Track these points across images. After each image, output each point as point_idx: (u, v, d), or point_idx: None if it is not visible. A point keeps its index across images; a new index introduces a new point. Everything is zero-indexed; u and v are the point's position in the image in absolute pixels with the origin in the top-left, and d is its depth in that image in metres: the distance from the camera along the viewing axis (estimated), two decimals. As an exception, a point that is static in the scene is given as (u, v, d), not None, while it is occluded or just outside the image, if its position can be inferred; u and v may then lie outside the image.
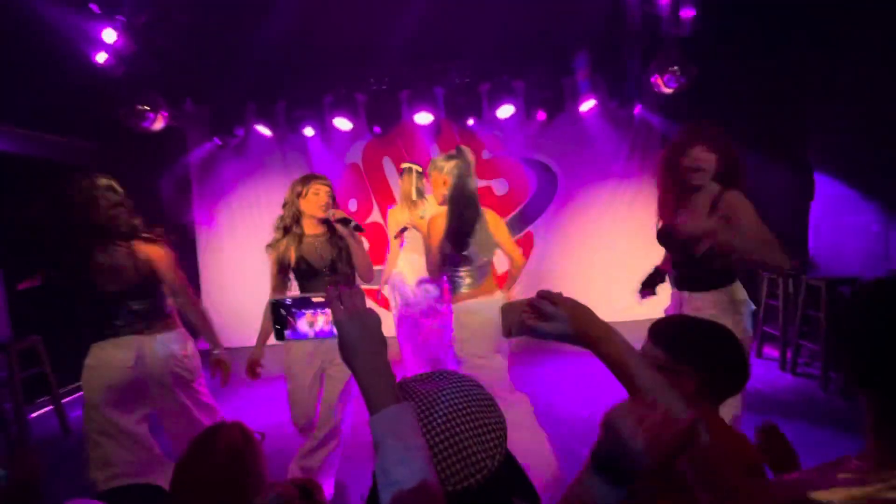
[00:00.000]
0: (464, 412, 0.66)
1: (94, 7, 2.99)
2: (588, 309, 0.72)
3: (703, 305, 1.96)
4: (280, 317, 0.77)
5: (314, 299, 0.76)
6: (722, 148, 1.96)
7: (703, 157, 1.94)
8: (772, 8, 3.67)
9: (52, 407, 3.40)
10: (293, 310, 0.77)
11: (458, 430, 0.64)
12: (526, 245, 5.25)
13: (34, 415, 3.59)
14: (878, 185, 3.45)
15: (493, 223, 2.37)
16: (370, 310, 0.70)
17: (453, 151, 2.44)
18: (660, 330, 1.04)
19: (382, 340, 0.68)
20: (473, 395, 0.69)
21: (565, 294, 0.76)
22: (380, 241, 5.27)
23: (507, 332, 0.75)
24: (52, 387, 3.31)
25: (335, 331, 0.69)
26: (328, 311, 0.74)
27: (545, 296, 0.73)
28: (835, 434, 2.50)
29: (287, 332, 0.77)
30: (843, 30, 3.55)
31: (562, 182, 5.24)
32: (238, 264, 5.02)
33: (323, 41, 4.18)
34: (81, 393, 4.09)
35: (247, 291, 4.84)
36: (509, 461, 0.68)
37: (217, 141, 4.73)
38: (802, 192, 4.16)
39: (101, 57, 3.33)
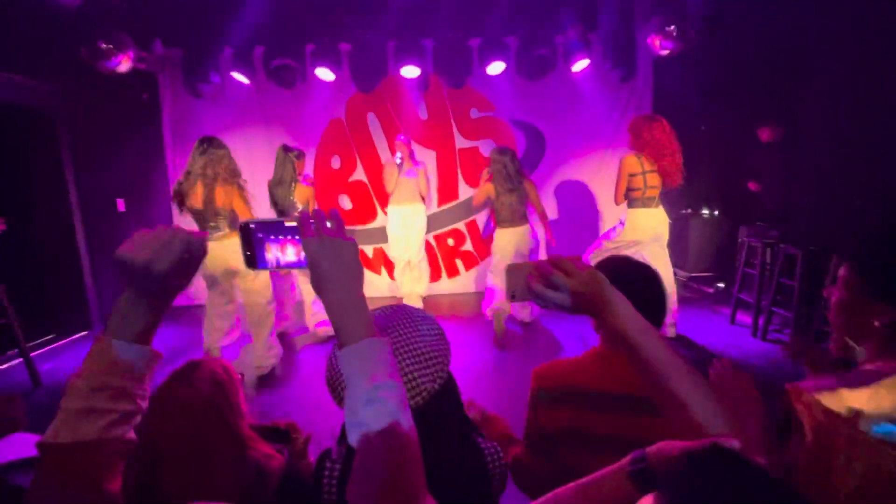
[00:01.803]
0: (408, 341, 0.69)
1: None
2: (604, 279, 0.65)
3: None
4: (250, 241, 0.69)
5: (287, 223, 0.68)
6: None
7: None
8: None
9: (20, 360, 3.30)
10: (262, 234, 0.69)
11: (404, 353, 0.68)
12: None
13: (4, 366, 3.50)
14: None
15: (529, 187, 3.72)
16: (346, 236, 0.63)
17: (505, 147, 3.77)
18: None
19: (358, 271, 0.62)
20: (423, 323, 0.73)
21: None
22: (365, 199, 5.15)
23: (511, 296, 0.70)
24: (19, 338, 3.20)
25: (305, 260, 0.62)
26: (298, 238, 0.67)
27: (556, 262, 0.65)
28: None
29: (258, 260, 0.70)
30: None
31: (550, 145, 5.16)
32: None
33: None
34: (54, 346, 4.00)
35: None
36: (450, 385, 0.73)
37: (190, 88, 4.46)
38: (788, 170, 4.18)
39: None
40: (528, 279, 0.66)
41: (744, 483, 0.37)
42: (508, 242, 3.71)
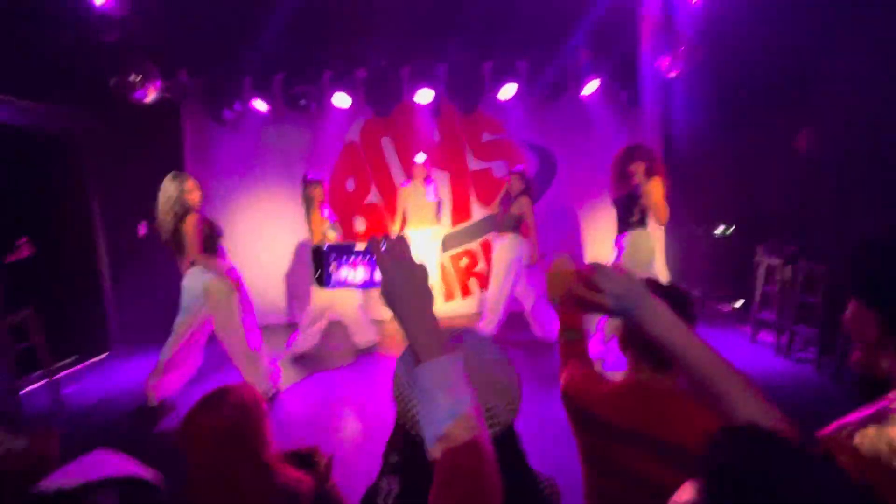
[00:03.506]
0: (485, 368, 0.68)
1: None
2: (642, 286, 0.68)
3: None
4: (322, 262, 0.75)
5: (357, 247, 0.75)
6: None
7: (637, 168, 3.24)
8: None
9: (44, 382, 3.35)
10: (334, 256, 0.75)
11: (480, 382, 0.65)
12: (523, 228, 5.23)
13: (27, 390, 3.54)
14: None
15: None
16: (417, 260, 0.67)
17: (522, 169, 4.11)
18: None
19: (429, 292, 0.65)
20: (494, 353, 0.72)
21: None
22: (379, 221, 5.22)
23: (554, 300, 0.74)
24: (44, 361, 3.26)
25: (377, 280, 0.67)
26: (369, 260, 0.74)
27: (599, 268, 0.69)
28: (829, 417, 2.53)
29: (327, 280, 0.75)
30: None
31: (561, 166, 5.21)
32: (231, 240, 4.94)
33: (323, 15, 4.07)
34: (75, 368, 4.05)
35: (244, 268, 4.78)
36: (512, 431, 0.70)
37: (212, 115, 4.61)
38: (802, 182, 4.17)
39: (95, 25, 3.21)
40: (572, 283, 0.70)
41: (780, 458, 0.37)
42: None
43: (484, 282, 5.35)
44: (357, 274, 0.75)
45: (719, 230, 5.16)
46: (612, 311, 0.68)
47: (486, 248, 5.31)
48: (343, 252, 0.75)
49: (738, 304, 4.90)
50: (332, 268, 0.75)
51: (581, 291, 0.69)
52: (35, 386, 3.55)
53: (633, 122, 5.05)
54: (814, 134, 4.06)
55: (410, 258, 0.67)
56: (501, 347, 0.75)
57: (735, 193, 4.93)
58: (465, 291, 5.38)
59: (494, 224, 4.45)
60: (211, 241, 3.09)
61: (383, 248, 0.67)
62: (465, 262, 5.33)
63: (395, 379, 0.70)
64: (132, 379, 3.75)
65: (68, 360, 4.08)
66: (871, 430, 0.72)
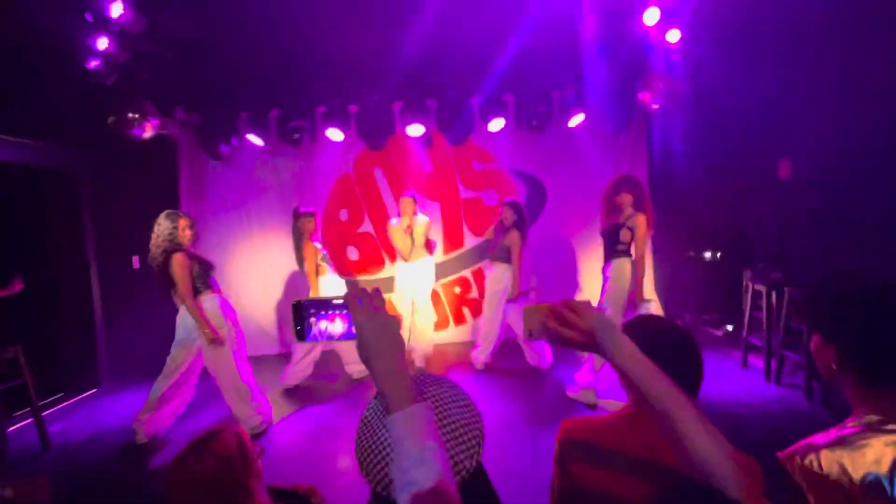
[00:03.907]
0: (445, 412, 0.70)
1: (87, 16, 2.98)
2: (609, 321, 0.73)
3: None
4: (301, 317, 0.78)
5: (334, 301, 0.77)
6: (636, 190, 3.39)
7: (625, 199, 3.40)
8: (762, 25, 3.80)
9: (31, 420, 3.30)
10: (312, 311, 0.78)
11: (451, 434, 0.68)
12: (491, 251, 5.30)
13: (13, 428, 3.48)
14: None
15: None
16: (389, 312, 0.71)
17: (515, 200, 4.18)
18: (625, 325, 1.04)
19: (401, 342, 0.69)
20: (452, 395, 0.73)
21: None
22: (372, 250, 5.27)
23: (528, 334, 0.78)
24: (31, 399, 3.22)
25: (354, 332, 0.70)
26: (347, 312, 0.76)
27: (569, 305, 0.74)
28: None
29: (307, 334, 0.78)
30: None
31: (550, 194, 5.32)
32: (226, 276, 4.97)
33: (317, 52, 4.21)
34: (62, 405, 4.00)
35: (239, 300, 4.78)
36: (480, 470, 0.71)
37: (209, 149, 4.71)
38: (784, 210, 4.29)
39: (93, 64, 3.31)
40: (545, 319, 0.74)
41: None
42: None
43: (477, 309, 5.38)
44: (335, 327, 0.78)
45: (708, 255, 5.26)
46: (582, 345, 0.73)
47: (479, 276, 5.36)
48: (321, 306, 0.78)
49: (728, 328, 4.95)
50: (310, 322, 0.79)
51: (553, 326, 0.74)
52: (22, 424, 3.50)
53: (619, 151, 5.20)
54: (792, 163, 4.21)
55: (384, 312, 0.70)
56: (460, 388, 0.77)
57: (722, 219, 5.05)
58: (459, 319, 5.39)
59: (487, 252, 4.50)
60: (202, 277, 3.12)
61: (358, 302, 0.70)
62: (458, 289, 5.37)
63: (358, 432, 0.72)
64: (122, 415, 3.70)
65: (56, 397, 4.02)
66: (824, 453, 0.80)
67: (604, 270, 3.52)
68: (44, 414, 3.37)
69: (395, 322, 0.70)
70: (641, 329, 1.08)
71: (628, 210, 3.38)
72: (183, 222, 3.09)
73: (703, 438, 0.63)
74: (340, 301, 0.77)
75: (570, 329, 0.72)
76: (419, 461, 0.57)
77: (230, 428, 1.19)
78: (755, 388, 3.64)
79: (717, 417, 3.13)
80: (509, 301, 4.06)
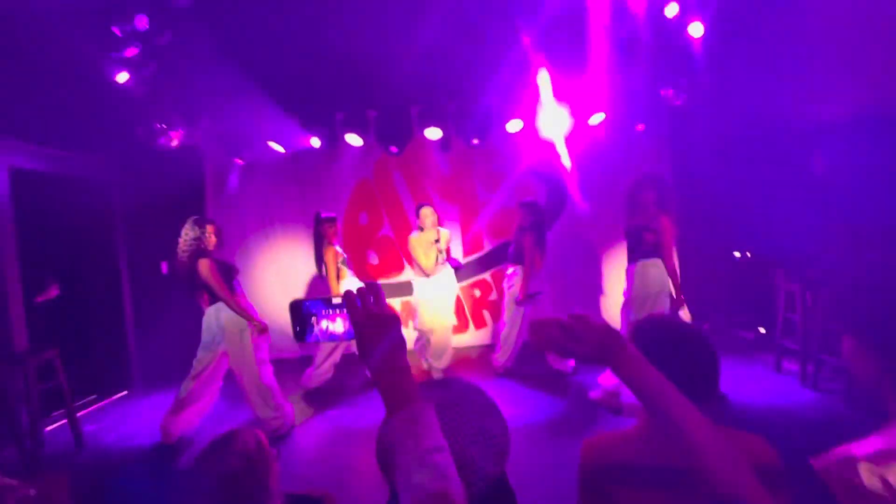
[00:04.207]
0: (468, 418, 0.68)
1: (115, 30, 3.09)
2: (617, 333, 0.72)
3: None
4: (299, 318, 0.76)
5: (334, 300, 0.76)
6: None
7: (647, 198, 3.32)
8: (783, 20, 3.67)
9: (66, 421, 3.42)
10: (312, 311, 0.76)
11: (461, 435, 0.65)
12: (536, 258, 5.23)
13: (49, 428, 3.62)
14: None
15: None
16: (389, 310, 0.69)
17: (532, 201, 4.14)
18: (636, 325, 1.00)
19: (401, 341, 0.67)
20: (476, 401, 0.71)
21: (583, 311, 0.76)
22: (392, 254, 5.29)
23: (538, 347, 0.76)
24: (67, 401, 3.34)
25: (354, 332, 0.68)
26: (347, 312, 0.74)
27: (577, 318, 0.73)
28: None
29: (307, 334, 0.77)
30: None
31: (572, 194, 5.24)
32: (251, 280, 5.06)
33: (335, 59, 4.27)
34: (96, 406, 4.13)
35: (262, 304, 4.88)
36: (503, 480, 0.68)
37: (233, 159, 4.83)
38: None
39: (122, 77, 3.44)
40: (553, 332, 0.73)
41: None
42: None
43: (496, 312, 5.33)
44: (336, 326, 0.76)
45: (737, 255, 5.08)
46: (591, 358, 0.71)
47: (498, 279, 5.31)
48: (321, 306, 0.76)
49: (761, 330, 4.75)
50: (311, 321, 0.77)
51: (562, 341, 0.72)
52: (57, 424, 3.63)
53: (642, 149, 5.08)
54: (825, 157, 4.02)
55: (382, 309, 0.68)
56: (487, 395, 0.74)
57: (751, 217, 4.87)
58: (479, 322, 5.35)
59: (507, 255, 4.44)
60: (227, 281, 3.19)
61: (356, 301, 0.68)
62: (477, 292, 5.33)
63: (378, 436, 0.70)
64: (151, 417, 3.80)
65: (90, 398, 4.17)
66: (865, 465, 0.74)
67: (628, 272, 3.43)
68: (78, 415, 3.49)
69: (394, 320, 0.68)
70: (652, 331, 1.05)
71: (651, 210, 3.29)
72: (209, 228, 3.17)
73: (712, 450, 0.64)
74: (340, 300, 0.75)
75: (577, 342, 0.72)
76: (421, 463, 0.55)
77: (249, 430, 1.21)
78: (790, 393, 3.48)
79: (751, 424, 3.00)
80: (518, 303, 3.98)
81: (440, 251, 4.03)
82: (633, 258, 3.39)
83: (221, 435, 1.17)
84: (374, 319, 0.67)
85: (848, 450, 0.80)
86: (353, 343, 0.67)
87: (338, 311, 0.76)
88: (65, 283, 4.05)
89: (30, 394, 3.11)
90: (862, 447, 0.79)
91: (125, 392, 4.48)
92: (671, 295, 3.33)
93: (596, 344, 0.70)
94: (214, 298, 3.18)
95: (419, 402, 0.61)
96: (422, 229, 4.09)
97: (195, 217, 3.23)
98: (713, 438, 0.65)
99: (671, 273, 3.27)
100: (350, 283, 4.01)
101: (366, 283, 0.71)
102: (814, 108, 4.00)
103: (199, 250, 3.12)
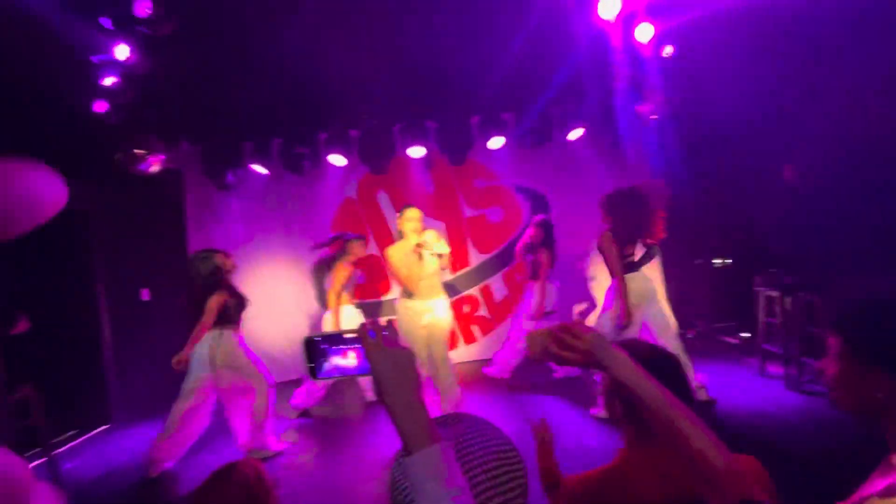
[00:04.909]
0: (484, 459, 0.66)
1: (93, 59, 3.07)
2: (603, 337, 0.77)
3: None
4: (313, 353, 0.76)
5: (346, 335, 0.76)
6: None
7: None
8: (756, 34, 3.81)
9: (44, 460, 3.28)
10: (324, 346, 0.76)
11: (480, 478, 0.63)
12: (523, 272, 5.27)
13: (24, 469, 3.46)
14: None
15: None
16: (403, 346, 0.69)
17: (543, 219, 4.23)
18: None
19: (416, 377, 0.66)
20: (493, 440, 0.69)
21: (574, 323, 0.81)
22: (378, 274, 5.27)
23: (534, 358, 0.82)
24: (44, 438, 3.20)
25: (368, 367, 0.68)
26: (360, 346, 0.74)
27: (566, 328, 0.78)
28: (849, 455, 2.47)
29: (320, 370, 0.77)
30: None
31: (554, 208, 5.32)
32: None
33: (315, 79, 4.29)
34: (74, 443, 3.98)
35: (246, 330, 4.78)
36: None
37: (214, 180, 4.77)
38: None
39: (100, 106, 3.40)
40: (546, 343, 0.79)
41: None
42: None
43: (486, 327, 5.33)
44: (348, 361, 0.76)
45: (717, 262, 5.21)
46: (583, 364, 0.77)
47: (487, 294, 5.33)
48: (333, 341, 0.76)
49: (744, 335, 4.86)
50: (323, 358, 0.77)
51: (554, 350, 0.78)
52: (34, 464, 3.47)
53: (620, 163, 5.20)
54: (797, 166, 4.18)
55: (398, 345, 0.68)
56: (502, 432, 0.73)
57: (729, 226, 5.01)
58: (469, 338, 5.34)
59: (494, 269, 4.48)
60: (235, 312, 3.20)
61: (370, 336, 0.68)
62: (466, 308, 5.33)
63: (390, 477, 0.69)
64: (133, 450, 3.68)
65: (69, 434, 4.00)
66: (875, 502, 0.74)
67: (609, 289, 3.51)
68: (56, 452, 3.35)
69: (410, 356, 0.68)
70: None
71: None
72: (219, 258, 3.21)
73: (698, 434, 0.69)
74: (353, 335, 0.75)
75: (569, 351, 0.77)
76: None
77: (247, 460, 1.21)
78: (776, 396, 3.55)
79: (739, 428, 3.05)
80: (531, 319, 4.03)
81: (437, 255, 3.28)
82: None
83: (220, 467, 1.17)
84: (389, 355, 0.66)
85: (862, 496, 0.80)
86: (365, 378, 0.67)
87: (351, 346, 0.76)
88: (40, 315, 3.91)
89: (6, 433, 2.98)
90: (870, 487, 0.79)
91: (106, 426, 4.32)
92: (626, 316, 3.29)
93: (586, 351, 0.76)
94: (218, 324, 3.18)
95: (438, 441, 0.60)
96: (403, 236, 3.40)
97: (199, 253, 3.28)
98: (704, 431, 0.69)
99: (618, 289, 3.29)
100: (349, 311, 3.95)
101: (383, 321, 0.72)
102: (787, 120, 4.17)
103: (218, 283, 3.16)
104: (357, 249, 3.88)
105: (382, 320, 0.71)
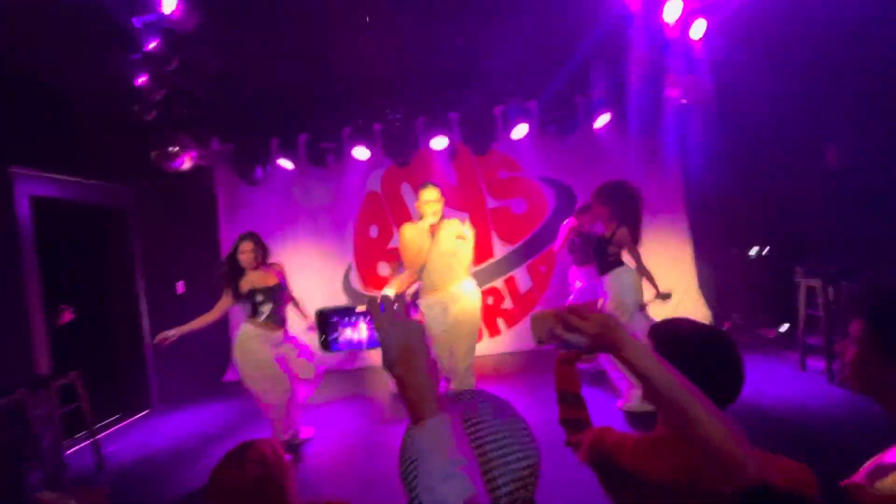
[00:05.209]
0: (496, 436, 0.65)
1: (134, 57, 3.19)
2: (614, 320, 0.73)
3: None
4: (326, 326, 0.77)
5: (358, 309, 0.77)
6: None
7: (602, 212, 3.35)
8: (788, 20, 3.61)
9: (88, 442, 3.47)
10: (337, 319, 0.77)
11: (491, 455, 0.62)
12: (549, 262, 5.19)
13: (71, 451, 3.67)
14: None
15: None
16: (413, 318, 0.69)
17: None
18: (655, 328, 1.02)
19: (425, 349, 0.66)
20: (507, 417, 0.68)
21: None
22: (401, 267, 5.30)
23: (539, 341, 0.78)
24: (88, 422, 3.39)
25: (378, 340, 0.68)
26: (370, 319, 0.75)
27: (574, 309, 0.75)
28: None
29: (332, 342, 0.77)
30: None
31: (580, 199, 5.21)
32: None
33: (340, 75, 4.34)
34: (117, 427, 4.19)
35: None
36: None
37: (244, 176, 4.91)
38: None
39: (135, 106, 3.54)
40: (552, 326, 0.75)
41: None
42: None
43: (511, 320, 5.29)
44: (360, 334, 0.77)
45: (753, 252, 4.98)
46: (591, 349, 0.73)
47: (512, 286, 5.28)
48: (344, 314, 0.77)
49: (783, 328, 4.63)
50: (336, 331, 0.78)
51: (560, 332, 0.74)
52: (79, 446, 3.68)
53: (649, 150, 5.04)
54: (839, 150, 3.94)
55: (405, 318, 0.68)
56: (517, 411, 0.72)
57: (766, 214, 4.77)
58: (493, 331, 5.31)
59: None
60: (249, 304, 3.23)
61: (381, 309, 0.68)
62: (490, 300, 5.30)
63: (402, 446, 0.68)
64: (171, 435, 3.85)
65: (112, 419, 4.23)
66: (892, 478, 0.72)
67: (599, 286, 3.46)
68: (100, 436, 3.54)
69: (418, 327, 0.68)
70: (673, 333, 1.03)
71: (610, 224, 3.31)
72: (240, 244, 3.25)
73: (713, 421, 0.65)
74: (364, 308, 0.76)
75: (577, 334, 0.73)
76: (447, 476, 0.54)
77: (263, 439, 1.22)
78: (818, 392, 3.36)
79: (780, 425, 2.91)
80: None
81: (461, 238, 3.02)
82: (603, 270, 3.39)
83: (236, 446, 1.19)
84: (398, 327, 0.67)
85: (878, 461, 0.78)
86: (376, 352, 0.67)
87: (362, 318, 0.77)
88: (85, 307, 4.14)
89: (53, 416, 3.17)
90: (893, 455, 0.77)
91: (147, 411, 4.54)
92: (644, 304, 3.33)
93: (596, 334, 0.72)
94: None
95: (445, 412, 0.60)
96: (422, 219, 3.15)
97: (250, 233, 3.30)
98: (719, 417, 0.66)
99: (647, 277, 3.33)
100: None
101: (392, 294, 0.72)
102: (825, 102, 3.93)
103: (228, 270, 3.22)
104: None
105: (392, 295, 0.72)
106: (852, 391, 0.89)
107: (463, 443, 0.58)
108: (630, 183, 3.37)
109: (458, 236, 3.10)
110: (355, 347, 0.77)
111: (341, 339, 0.77)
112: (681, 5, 3.41)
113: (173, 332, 3.11)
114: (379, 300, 0.69)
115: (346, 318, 0.77)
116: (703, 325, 1.06)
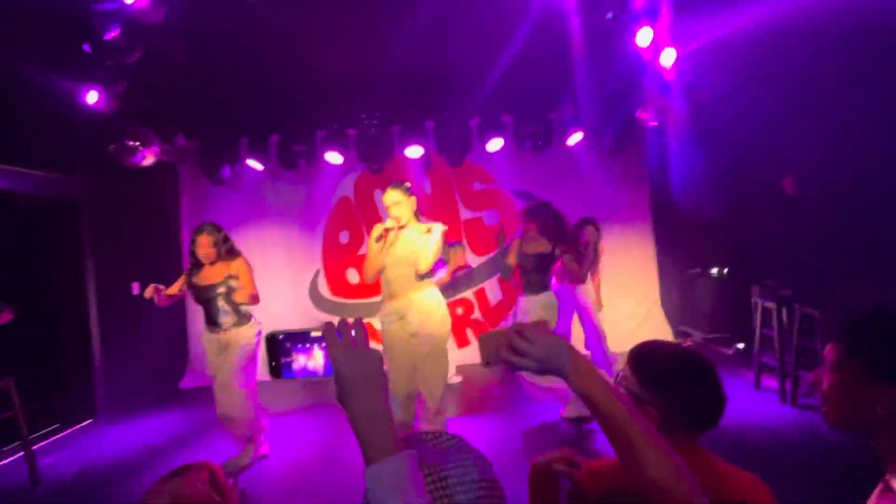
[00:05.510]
0: (464, 488, 0.60)
1: (85, 47, 3.02)
2: (561, 341, 0.71)
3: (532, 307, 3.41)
4: (276, 352, 0.72)
5: (313, 333, 0.72)
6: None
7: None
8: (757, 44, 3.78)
9: (22, 453, 3.22)
10: (289, 345, 0.72)
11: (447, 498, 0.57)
12: (518, 276, 5.22)
13: (2, 462, 3.40)
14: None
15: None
16: (370, 347, 0.64)
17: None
18: (634, 352, 1.02)
19: (382, 381, 0.61)
20: (469, 460, 0.63)
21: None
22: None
23: (486, 363, 0.75)
24: (22, 432, 3.14)
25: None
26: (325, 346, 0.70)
27: (519, 330, 0.72)
28: (843, 471, 2.40)
29: (283, 370, 0.72)
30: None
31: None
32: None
33: (315, 77, 4.26)
34: (57, 437, 3.91)
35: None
36: None
37: (210, 175, 4.73)
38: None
39: (92, 97, 3.35)
40: (499, 347, 0.72)
41: None
42: None
43: (480, 331, 5.27)
44: (315, 362, 0.72)
45: (715, 271, 5.15)
46: (538, 372, 0.70)
47: (482, 297, 5.27)
48: (298, 339, 0.72)
49: (739, 346, 4.80)
50: (288, 357, 0.72)
51: (507, 356, 0.71)
52: (12, 458, 3.41)
53: (620, 169, 5.17)
54: (797, 178, 4.14)
55: (363, 346, 0.63)
56: (481, 454, 0.66)
57: (727, 235, 4.96)
58: (462, 341, 5.29)
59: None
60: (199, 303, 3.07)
61: (338, 335, 0.63)
62: (459, 310, 5.28)
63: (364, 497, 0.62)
64: (116, 447, 3.62)
65: (52, 428, 3.94)
66: None
67: (518, 304, 3.56)
68: (37, 447, 3.29)
69: (376, 357, 0.62)
70: (654, 358, 1.01)
71: (543, 241, 3.40)
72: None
73: (660, 458, 0.63)
74: (319, 334, 0.70)
75: (523, 357, 0.70)
76: None
77: (201, 462, 1.13)
78: (770, 410, 3.49)
79: (734, 441, 2.98)
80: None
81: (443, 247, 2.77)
82: (537, 289, 3.47)
83: (172, 470, 1.09)
84: (355, 357, 0.61)
85: None
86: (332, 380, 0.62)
87: (317, 344, 0.72)
88: (27, 306, 3.86)
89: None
90: None
91: (90, 420, 4.26)
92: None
93: (540, 357, 0.69)
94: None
95: (400, 452, 0.55)
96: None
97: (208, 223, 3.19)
98: (667, 454, 0.63)
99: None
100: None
101: (351, 319, 0.66)
102: (786, 128, 4.12)
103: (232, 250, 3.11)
104: (457, 258, 3.78)
105: (351, 319, 0.66)
106: (832, 424, 0.82)
107: (420, 486, 0.54)
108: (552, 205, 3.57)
109: (426, 230, 2.82)
110: (311, 375, 0.72)
111: (295, 365, 0.72)
112: (651, 33, 3.51)
113: (162, 287, 2.91)
114: (335, 326, 0.64)
115: (300, 344, 0.72)
116: (680, 347, 1.07)
